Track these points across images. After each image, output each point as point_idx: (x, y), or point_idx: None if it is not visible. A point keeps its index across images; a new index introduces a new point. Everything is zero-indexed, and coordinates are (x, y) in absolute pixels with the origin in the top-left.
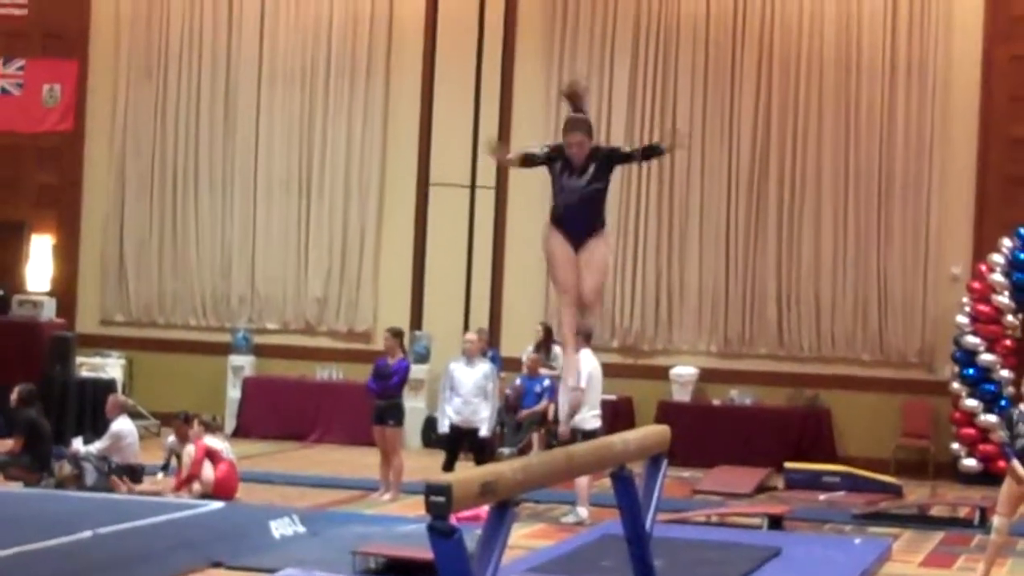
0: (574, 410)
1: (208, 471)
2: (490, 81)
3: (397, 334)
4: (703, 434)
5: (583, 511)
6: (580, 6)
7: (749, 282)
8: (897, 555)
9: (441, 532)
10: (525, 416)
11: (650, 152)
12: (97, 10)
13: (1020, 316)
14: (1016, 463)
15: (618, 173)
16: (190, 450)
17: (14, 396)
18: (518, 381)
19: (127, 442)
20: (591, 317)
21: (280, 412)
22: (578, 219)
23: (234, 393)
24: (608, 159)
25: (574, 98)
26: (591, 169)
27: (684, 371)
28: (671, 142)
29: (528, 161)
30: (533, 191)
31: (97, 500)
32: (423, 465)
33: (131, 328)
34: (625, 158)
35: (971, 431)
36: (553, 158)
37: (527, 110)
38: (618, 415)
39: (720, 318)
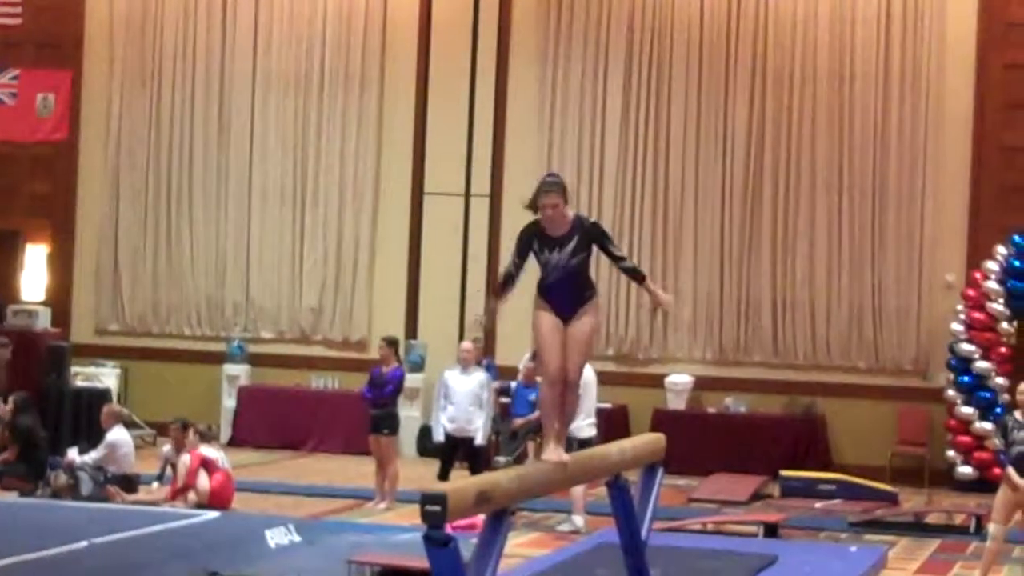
0: (569, 419)
1: (203, 481)
2: (484, 90)
3: (391, 343)
4: (699, 442)
5: (579, 520)
6: (574, 15)
7: (744, 290)
8: (893, 563)
9: (437, 541)
10: (520, 425)
11: (630, 273)
12: (91, 20)
13: (1015, 323)
14: (1011, 470)
15: (611, 181)
16: (186, 460)
17: (9, 405)
18: (512, 384)
19: (123, 452)
20: (571, 394)
21: (275, 421)
22: (565, 293)
23: (229, 402)
24: (589, 240)
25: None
26: (574, 241)
27: (679, 379)
28: (656, 302)
29: (511, 280)
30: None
31: (93, 510)
32: (418, 474)
33: (126, 337)
34: (603, 248)
35: (966, 439)
36: (526, 250)
37: (521, 118)
38: (613, 423)
39: (715, 326)
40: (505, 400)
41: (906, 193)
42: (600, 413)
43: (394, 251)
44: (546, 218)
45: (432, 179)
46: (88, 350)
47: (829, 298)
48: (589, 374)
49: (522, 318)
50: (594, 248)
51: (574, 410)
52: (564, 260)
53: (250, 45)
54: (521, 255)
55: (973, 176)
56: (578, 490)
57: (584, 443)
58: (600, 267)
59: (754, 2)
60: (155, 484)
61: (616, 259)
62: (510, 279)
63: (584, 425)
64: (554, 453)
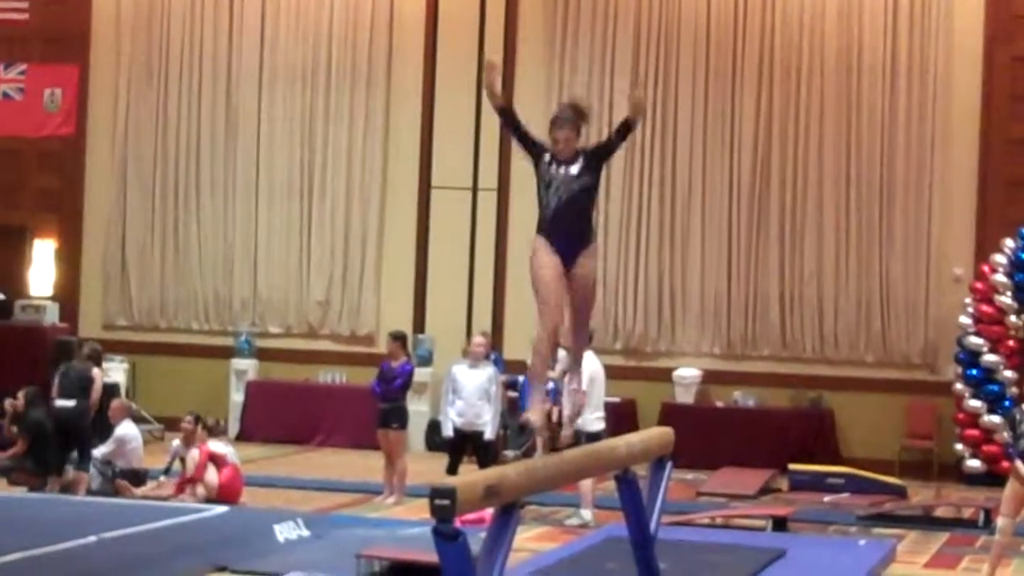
0: (577, 412)
1: (212, 475)
2: None
3: (398, 337)
4: (707, 436)
5: (587, 513)
6: (581, 10)
7: (752, 284)
8: (901, 556)
9: (446, 535)
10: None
11: (623, 129)
12: (98, 15)
13: (1023, 317)
14: (1020, 464)
15: (619, 175)
16: (194, 454)
17: (19, 399)
18: (520, 379)
19: (131, 446)
20: (581, 334)
21: (283, 416)
22: (568, 223)
23: (237, 397)
24: (595, 155)
25: (577, 115)
26: (580, 161)
27: (687, 373)
28: (632, 108)
29: (510, 115)
30: (535, 193)
31: (102, 504)
32: (427, 468)
33: (134, 332)
34: (607, 147)
35: (975, 432)
36: (536, 143)
37: (528, 113)
38: (621, 417)
39: (723, 320)
40: (513, 394)
41: (914, 186)
42: (608, 407)
43: (402, 245)
44: (557, 150)
45: (439, 173)
46: None
47: (837, 292)
48: (597, 368)
49: (528, 313)
50: (598, 189)
51: (585, 343)
52: (569, 179)
53: (257, 40)
54: (531, 139)
55: (981, 169)
56: (586, 484)
57: (593, 437)
58: (609, 256)
59: None
60: (162, 478)
61: (611, 141)
62: (515, 117)
63: (592, 419)
64: (536, 415)
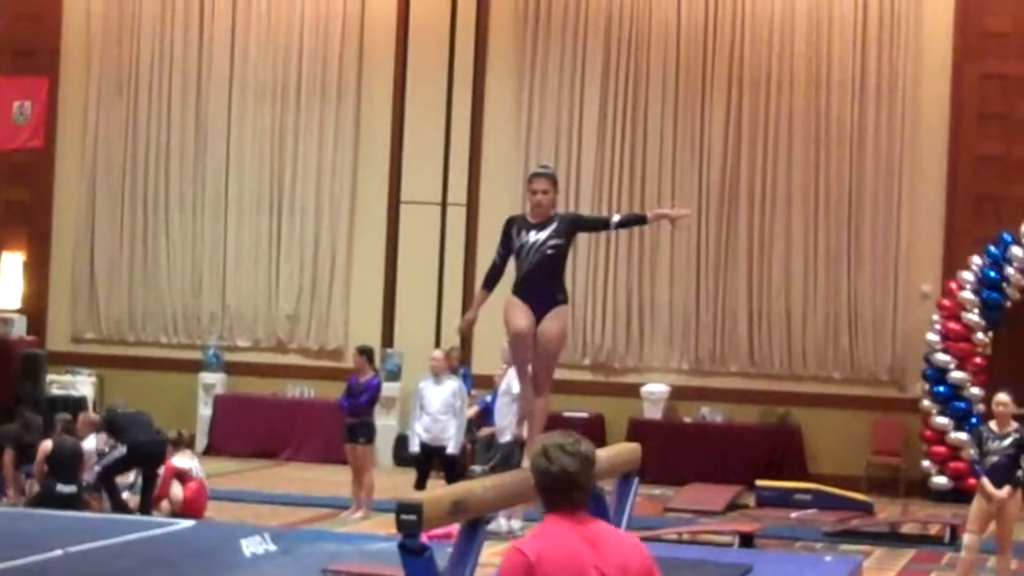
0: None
1: (177, 491)
2: (461, 99)
3: (364, 351)
4: (674, 452)
5: (516, 523)
6: (551, 22)
7: (720, 300)
8: (868, 573)
9: (412, 550)
10: (490, 434)
11: (632, 221)
12: (68, 27)
13: (990, 334)
14: (986, 480)
15: (588, 186)
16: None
17: None
18: (485, 400)
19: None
20: (541, 402)
21: (251, 430)
22: (538, 285)
23: (205, 411)
24: (571, 224)
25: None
26: (553, 225)
27: (655, 388)
28: (673, 224)
29: (496, 271)
30: (504, 208)
31: (68, 518)
32: (395, 483)
33: (102, 345)
34: (586, 224)
35: (942, 449)
36: (508, 239)
37: (498, 128)
38: (589, 433)
39: (691, 336)
40: (475, 409)
41: (882, 202)
42: (576, 422)
43: (371, 260)
44: (534, 203)
45: (409, 188)
46: (64, 358)
47: (805, 307)
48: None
49: (499, 326)
50: (570, 249)
51: (544, 419)
52: (540, 242)
53: (227, 54)
54: (505, 245)
55: (949, 186)
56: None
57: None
58: (577, 271)
59: (731, 12)
60: (126, 493)
61: (605, 223)
62: (495, 270)
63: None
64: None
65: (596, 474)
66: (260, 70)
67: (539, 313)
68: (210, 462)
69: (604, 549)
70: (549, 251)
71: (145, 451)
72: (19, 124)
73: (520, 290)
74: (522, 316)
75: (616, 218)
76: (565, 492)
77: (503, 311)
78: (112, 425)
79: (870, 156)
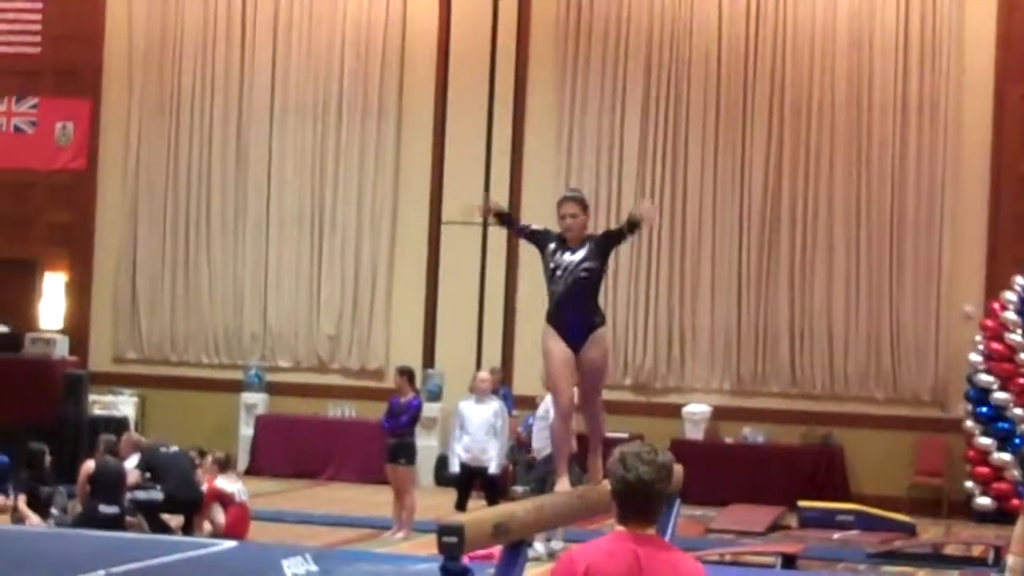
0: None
1: (219, 515)
2: (502, 118)
3: (404, 372)
4: (716, 472)
5: (556, 545)
6: (592, 43)
7: (762, 320)
8: None
9: (453, 572)
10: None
11: (631, 225)
12: (110, 49)
13: None
14: None
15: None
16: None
17: None
18: (529, 420)
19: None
20: (596, 422)
21: (293, 450)
22: (572, 312)
23: (247, 431)
24: (603, 243)
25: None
26: (586, 247)
27: (697, 409)
28: (636, 215)
29: (515, 223)
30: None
31: (110, 539)
32: (436, 503)
33: (144, 366)
34: (617, 236)
35: (985, 469)
36: (542, 236)
37: (538, 148)
38: None
39: (733, 356)
40: (521, 430)
41: (924, 223)
42: (617, 443)
43: (411, 279)
44: (564, 228)
45: (449, 207)
46: (106, 378)
47: (847, 329)
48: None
49: (538, 347)
50: (605, 269)
51: (602, 435)
52: (574, 264)
53: (268, 74)
54: (533, 235)
55: (991, 206)
56: None
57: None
58: (619, 292)
59: (771, 34)
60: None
61: (621, 231)
62: (515, 222)
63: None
64: (564, 485)
65: (673, 486)
66: (301, 90)
67: (578, 338)
68: (251, 482)
69: (652, 573)
70: (582, 274)
71: (181, 501)
72: (61, 145)
73: (555, 318)
74: (558, 350)
75: (624, 227)
76: (638, 501)
77: (540, 341)
78: (152, 466)
79: (912, 177)
